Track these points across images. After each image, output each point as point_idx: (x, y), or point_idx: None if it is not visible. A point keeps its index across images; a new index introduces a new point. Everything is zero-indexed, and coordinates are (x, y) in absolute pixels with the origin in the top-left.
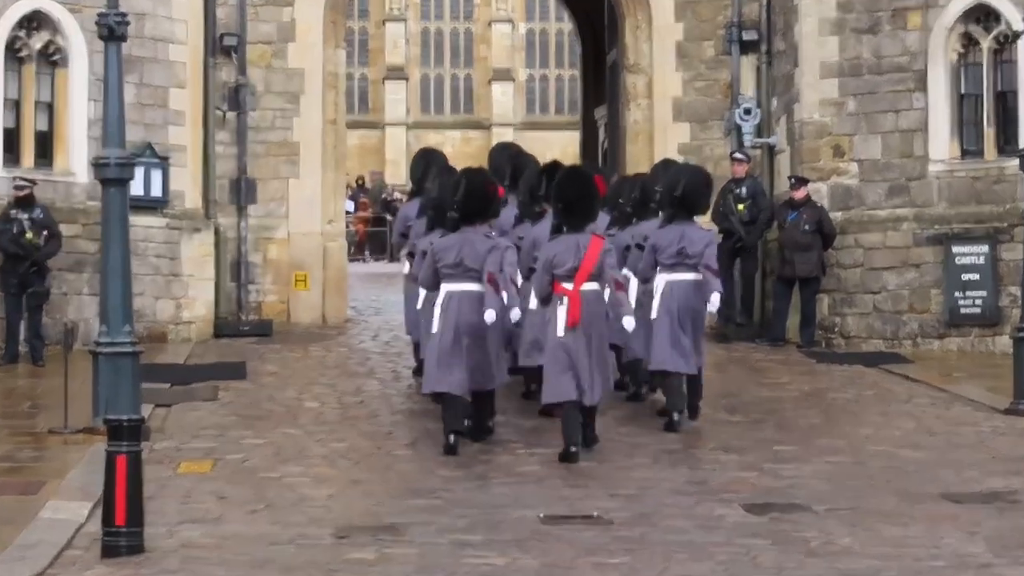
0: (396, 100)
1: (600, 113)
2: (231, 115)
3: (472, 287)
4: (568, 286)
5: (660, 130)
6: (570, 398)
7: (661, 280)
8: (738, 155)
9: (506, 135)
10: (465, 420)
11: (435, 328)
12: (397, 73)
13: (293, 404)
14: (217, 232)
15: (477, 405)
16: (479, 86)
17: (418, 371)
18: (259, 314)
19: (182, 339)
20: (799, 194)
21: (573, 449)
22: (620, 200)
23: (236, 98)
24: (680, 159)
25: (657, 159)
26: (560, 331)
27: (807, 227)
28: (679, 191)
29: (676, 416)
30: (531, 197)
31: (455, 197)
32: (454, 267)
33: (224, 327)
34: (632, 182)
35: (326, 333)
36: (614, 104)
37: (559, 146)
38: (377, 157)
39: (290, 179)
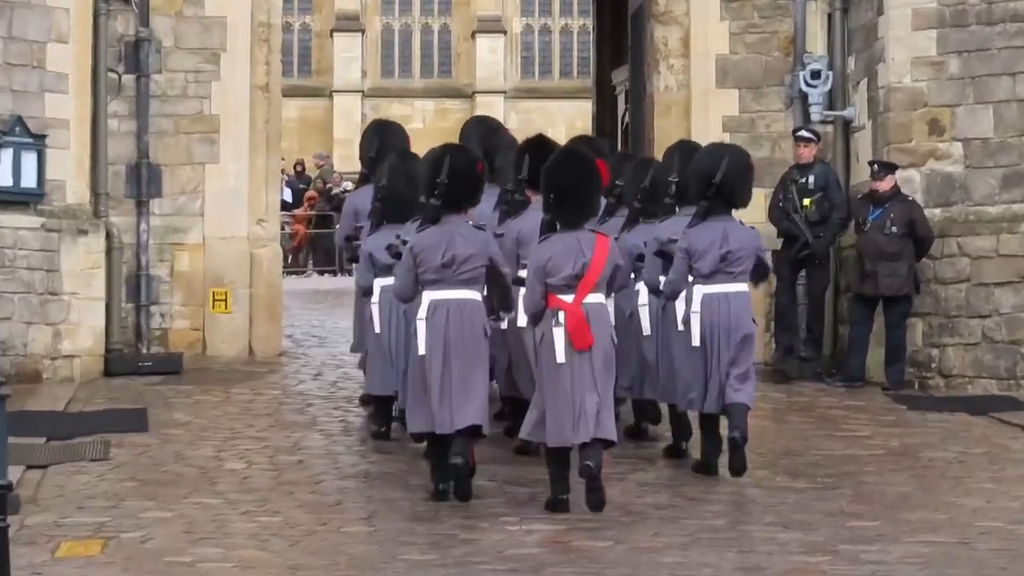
0: (348, 59)
1: (620, 77)
2: (129, 79)
3: (467, 294)
4: (567, 299)
5: (700, 99)
6: (568, 443)
7: (698, 293)
8: (803, 133)
9: (495, 106)
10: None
11: (421, 349)
12: (350, 23)
13: (210, 465)
14: (109, 236)
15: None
16: (459, 41)
17: (368, 400)
18: (165, 345)
19: (62, 378)
20: (884, 185)
21: (563, 497)
22: (618, 184)
23: (136, 57)
24: (724, 136)
25: (697, 136)
26: (560, 356)
27: (894, 229)
28: (719, 177)
29: (738, 439)
30: (514, 182)
31: (438, 179)
32: (440, 270)
33: (118, 362)
34: (637, 165)
35: (254, 370)
36: (638, 65)
37: (565, 120)
38: (323, 135)
39: (207, 164)
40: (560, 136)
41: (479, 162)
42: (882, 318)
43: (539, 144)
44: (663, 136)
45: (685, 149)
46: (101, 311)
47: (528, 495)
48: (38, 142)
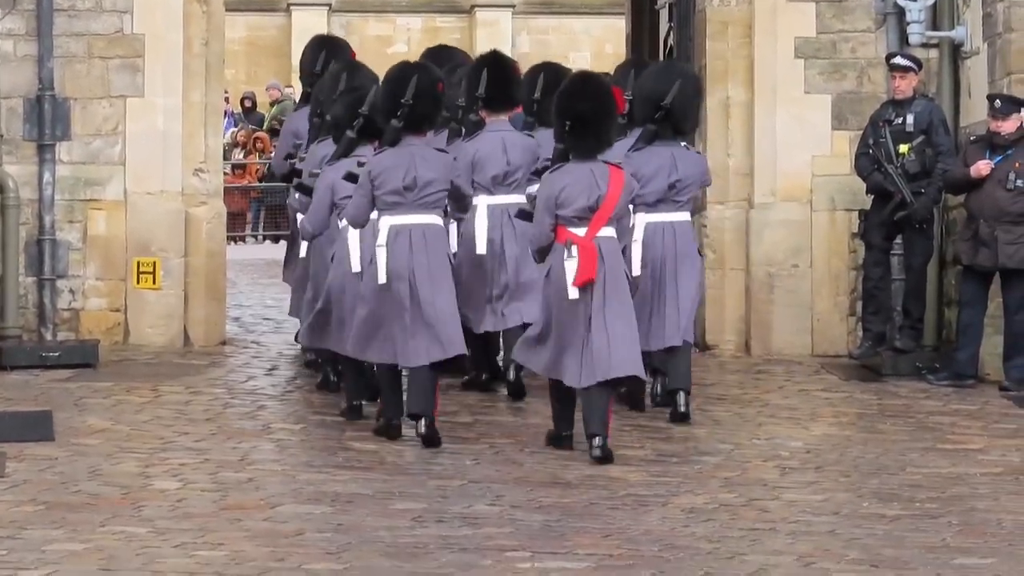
0: None
1: None
2: None
3: (430, 219)
4: (579, 232)
5: (765, 15)
6: (572, 383)
7: (640, 222)
8: (899, 60)
9: (500, 23)
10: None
11: (381, 277)
12: None
13: (134, 484)
14: (3, 189)
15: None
16: None
17: (325, 384)
18: (76, 330)
19: None
20: (1006, 126)
21: (566, 434)
22: (627, 97)
23: None
24: (797, 63)
25: (763, 64)
26: (571, 292)
27: (1019, 183)
28: (668, 100)
29: (683, 399)
30: (468, 101)
31: (402, 99)
32: (402, 192)
33: (15, 353)
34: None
35: (190, 363)
36: None
37: (591, 43)
38: (279, 60)
39: (129, 98)
40: (586, 65)
41: (440, 82)
42: (1000, 299)
43: (496, 62)
44: (718, 64)
45: (640, 65)
46: None
47: (541, 524)
48: None
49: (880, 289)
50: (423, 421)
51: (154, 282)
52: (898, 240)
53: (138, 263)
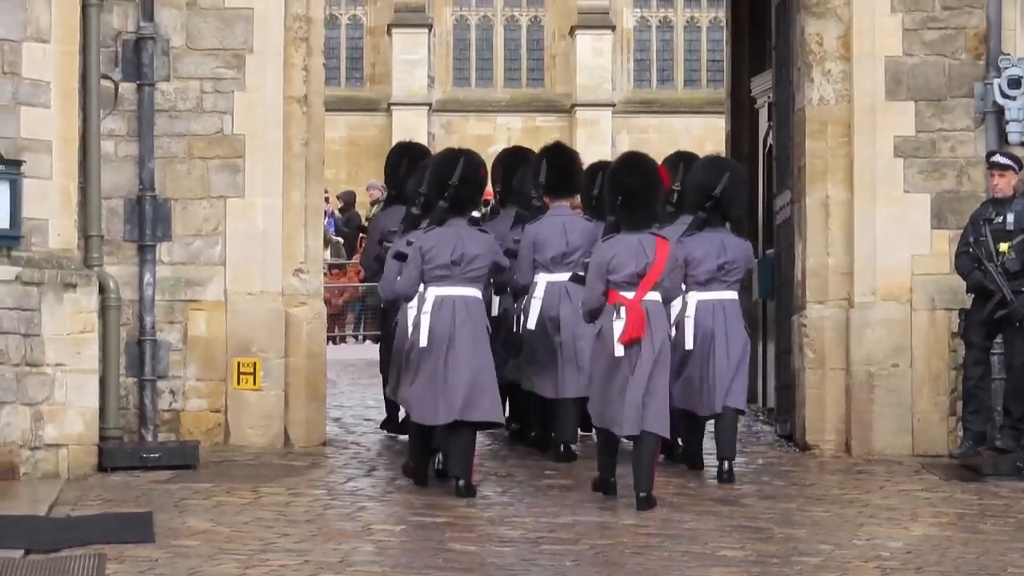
0: (412, 63)
1: (761, 86)
2: (128, 88)
3: (473, 292)
4: (628, 295)
5: (864, 114)
6: (618, 432)
7: (693, 300)
8: (999, 159)
9: (600, 122)
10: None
11: (423, 341)
12: (413, 16)
13: None
14: (104, 290)
15: (465, 441)
16: (554, 39)
17: (389, 423)
18: (176, 431)
19: (44, 473)
20: None
21: (613, 480)
22: (675, 188)
23: (137, 60)
24: (897, 162)
25: (862, 163)
26: (618, 349)
27: None
28: (719, 190)
29: (725, 467)
30: (532, 188)
31: (451, 180)
32: (450, 267)
33: (116, 454)
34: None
35: (291, 464)
36: (784, 71)
37: (691, 141)
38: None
39: (229, 199)
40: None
41: (483, 167)
42: None
43: (557, 151)
44: (817, 163)
45: (687, 159)
46: (94, 387)
47: None
48: (12, 170)
49: (980, 388)
50: (460, 482)
51: (254, 383)
52: (998, 339)
53: (238, 363)
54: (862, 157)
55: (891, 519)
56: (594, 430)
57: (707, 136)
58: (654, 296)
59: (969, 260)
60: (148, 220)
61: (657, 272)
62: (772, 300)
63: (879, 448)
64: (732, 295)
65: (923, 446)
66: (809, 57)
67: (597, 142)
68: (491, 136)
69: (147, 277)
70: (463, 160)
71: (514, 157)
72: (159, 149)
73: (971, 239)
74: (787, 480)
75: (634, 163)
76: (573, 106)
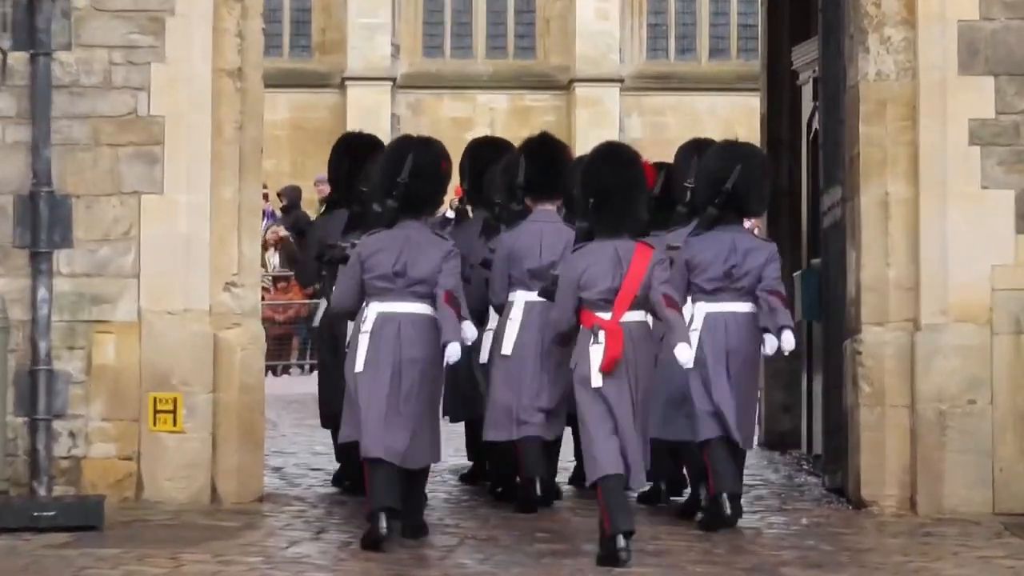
0: (372, 28)
1: (804, 57)
2: (19, 59)
3: (419, 309)
4: (605, 316)
5: (932, 92)
6: (618, 471)
7: (699, 312)
8: None
9: (605, 102)
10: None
11: (358, 365)
12: None
13: None
14: None
15: (411, 485)
16: (549, 2)
17: (341, 478)
18: (76, 483)
19: None
20: None
21: (622, 544)
22: (688, 185)
23: (30, 23)
24: (973, 151)
25: (929, 150)
26: (595, 379)
27: None
28: (731, 183)
29: (725, 498)
30: (509, 190)
31: (399, 177)
32: (392, 279)
33: (2, 512)
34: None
35: (219, 524)
36: (833, 39)
37: (718, 124)
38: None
39: (144, 195)
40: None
41: (444, 160)
42: None
43: (541, 145)
44: (875, 152)
45: (703, 148)
46: None
47: None
48: None
49: None
50: (392, 520)
51: (174, 423)
52: None
53: (155, 400)
54: (929, 145)
55: None
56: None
57: (738, 119)
58: (638, 316)
59: None
60: (43, 222)
61: (634, 285)
62: (819, 322)
63: (952, 505)
64: (747, 307)
65: (1007, 502)
66: (864, 22)
67: (602, 126)
68: (470, 119)
69: (41, 292)
70: (413, 152)
71: (487, 148)
72: (57, 134)
73: None
74: (838, 544)
75: (611, 156)
76: (571, 82)
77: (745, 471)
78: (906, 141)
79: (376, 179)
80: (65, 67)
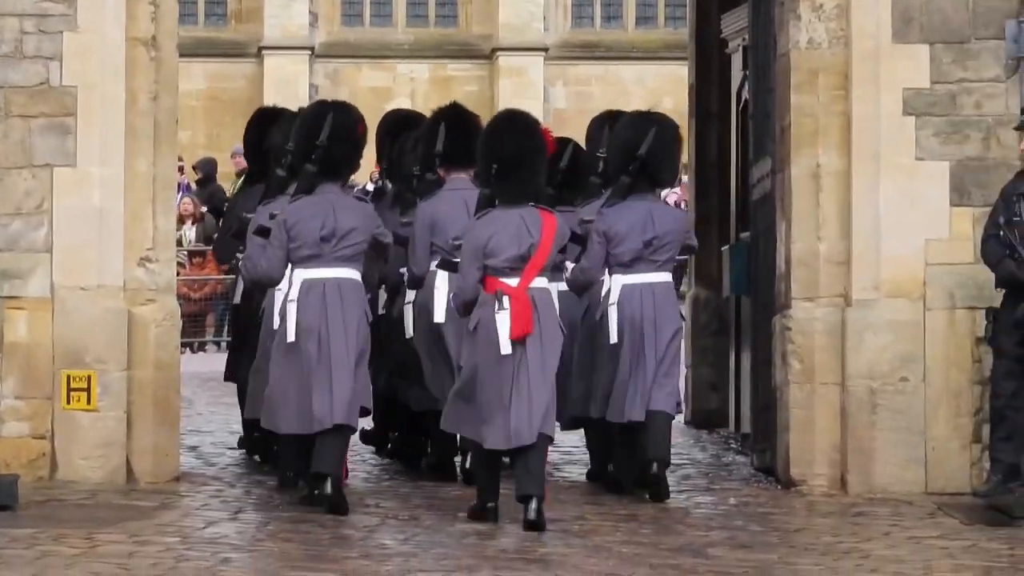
0: None
1: (734, 25)
2: None
3: (346, 273)
4: (511, 282)
5: (865, 61)
6: (506, 446)
7: (616, 284)
8: None
9: (529, 71)
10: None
11: (290, 335)
12: None
13: None
14: None
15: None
16: None
17: (247, 442)
18: None
19: None
20: None
21: (491, 505)
22: (600, 156)
23: None
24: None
25: (862, 122)
26: (504, 346)
27: None
28: (644, 149)
29: (655, 468)
30: (425, 160)
31: (318, 141)
32: (319, 244)
33: None
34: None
35: (135, 504)
36: (764, 6)
37: (644, 95)
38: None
39: (56, 168)
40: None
41: (361, 123)
42: None
43: (456, 114)
44: (807, 123)
45: (616, 119)
46: None
47: None
48: None
49: (1014, 408)
50: (328, 483)
51: (89, 401)
52: None
53: (68, 377)
54: (863, 115)
55: (898, 574)
56: (460, 445)
57: (665, 89)
58: (540, 283)
59: (999, 246)
60: None
61: (545, 254)
62: (748, 296)
63: (883, 484)
64: (664, 277)
65: (939, 482)
66: None
67: (526, 96)
68: (390, 89)
69: None
70: (332, 114)
71: (402, 123)
72: None
73: (1001, 219)
74: (767, 525)
75: (512, 124)
76: (495, 51)
77: (672, 450)
78: (838, 111)
79: (295, 143)
80: None
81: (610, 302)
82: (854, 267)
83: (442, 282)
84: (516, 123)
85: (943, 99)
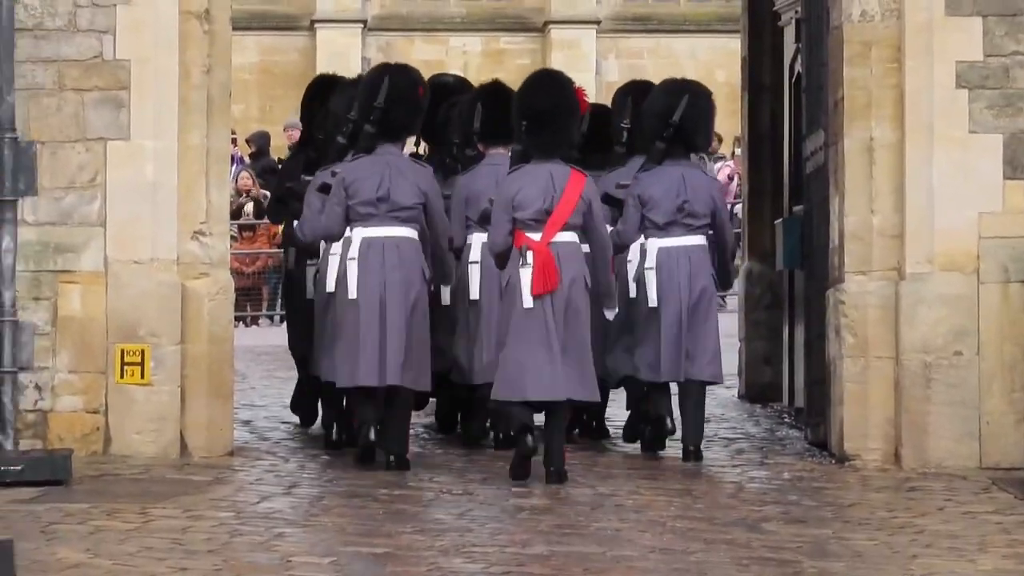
0: None
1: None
2: None
3: (405, 232)
4: (535, 237)
5: (918, 34)
6: (531, 399)
7: (652, 247)
8: None
9: (582, 43)
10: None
11: (351, 292)
12: None
13: None
14: None
15: (393, 414)
16: None
17: (299, 405)
18: (43, 437)
19: None
20: None
21: (531, 443)
22: (624, 126)
23: None
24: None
25: (915, 95)
26: (527, 300)
27: None
28: (677, 116)
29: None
30: (464, 136)
31: (375, 102)
32: (376, 204)
33: None
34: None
35: (188, 478)
36: None
37: (698, 68)
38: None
39: (110, 141)
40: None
41: (421, 86)
42: None
43: (495, 92)
44: (859, 96)
45: (639, 90)
46: None
47: None
48: None
49: None
50: (391, 458)
51: (142, 376)
52: None
53: (122, 352)
54: (915, 88)
55: (953, 549)
56: (498, 407)
57: (717, 61)
58: (567, 236)
59: None
60: (7, 169)
61: (567, 210)
62: (801, 270)
63: (937, 459)
64: (699, 240)
65: (994, 456)
66: None
67: (579, 69)
68: (443, 62)
69: (6, 242)
70: (389, 76)
71: (440, 89)
72: (21, 78)
73: None
74: (820, 499)
75: (544, 82)
76: (547, 23)
77: (725, 424)
78: (891, 84)
79: (357, 106)
80: (29, 10)
81: (647, 266)
82: (907, 240)
83: (476, 255)
84: (549, 80)
85: (996, 72)
